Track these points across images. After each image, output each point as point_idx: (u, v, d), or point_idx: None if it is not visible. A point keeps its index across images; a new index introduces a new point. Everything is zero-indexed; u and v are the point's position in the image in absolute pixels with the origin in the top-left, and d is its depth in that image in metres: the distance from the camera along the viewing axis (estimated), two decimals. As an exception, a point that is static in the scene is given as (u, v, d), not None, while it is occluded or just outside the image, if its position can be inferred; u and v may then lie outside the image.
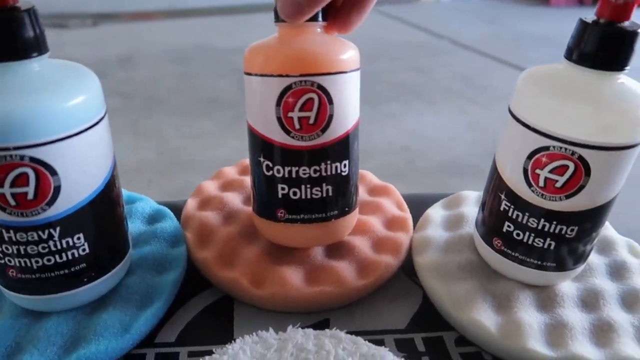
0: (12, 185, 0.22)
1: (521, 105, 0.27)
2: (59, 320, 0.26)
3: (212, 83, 1.93)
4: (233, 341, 0.26)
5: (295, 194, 0.29)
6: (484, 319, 0.28)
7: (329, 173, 0.29)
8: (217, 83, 1.92)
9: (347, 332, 0.30)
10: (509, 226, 0.29)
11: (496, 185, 0.29)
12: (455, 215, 0.36)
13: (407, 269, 0.34)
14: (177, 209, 0.38)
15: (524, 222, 0.28)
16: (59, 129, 0.22)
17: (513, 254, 0.29)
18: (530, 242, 0.28)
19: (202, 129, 1.56)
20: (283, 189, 0.29)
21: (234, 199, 0.37)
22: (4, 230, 0.23)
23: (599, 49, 0.24)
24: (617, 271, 0.32)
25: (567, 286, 0.31)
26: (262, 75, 0.27)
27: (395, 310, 0.31)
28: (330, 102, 0.27)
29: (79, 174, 0.24)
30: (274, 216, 0.30)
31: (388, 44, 2.64)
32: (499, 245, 0.30)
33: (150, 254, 0.31)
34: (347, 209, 0.31)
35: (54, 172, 0.23)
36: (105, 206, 0.26)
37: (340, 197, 0.30)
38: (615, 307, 0.29)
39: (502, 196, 0.29)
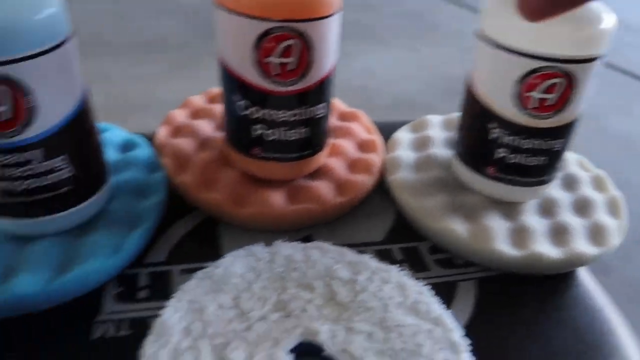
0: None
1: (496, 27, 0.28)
2: (46, 244, 0.27)
3: (156, 22, 1.83)
4: (223, 257, 0.27)
5: (272, 134, 0.30)
6: (455, 226, 0.30)
7: (307, 117, 0.30)
8: (161, 22, 1.83)
9: (330, 245, 0.31)
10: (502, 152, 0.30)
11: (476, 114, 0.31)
12: (421, 138, 0.38)
13: (380, 188, 0.36)
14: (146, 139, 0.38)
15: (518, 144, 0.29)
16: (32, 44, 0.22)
17: (508, 177, 0.31)
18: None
19: (150, 71, 1.50)
20: (260, 128, 0.30)
21: (206, 127, 0.37)
22: None
23: None
24: (569, 183, 0.35)
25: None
26: (236, 14, 0.26)
27: (372, 225, 0.33)
28: (312, 47, 0.27)
29: (55, 94, 0.24)
30: (249, 153, 0.31)
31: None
32: (492, 172, 0.31)
33: (130, 180, 0.31)
34: (318, 148, 0.32)
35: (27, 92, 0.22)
36: (85, 127, 0.26)
37: (315, 138, 0.31)
38: (569, 213, 0.33)
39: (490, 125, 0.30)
